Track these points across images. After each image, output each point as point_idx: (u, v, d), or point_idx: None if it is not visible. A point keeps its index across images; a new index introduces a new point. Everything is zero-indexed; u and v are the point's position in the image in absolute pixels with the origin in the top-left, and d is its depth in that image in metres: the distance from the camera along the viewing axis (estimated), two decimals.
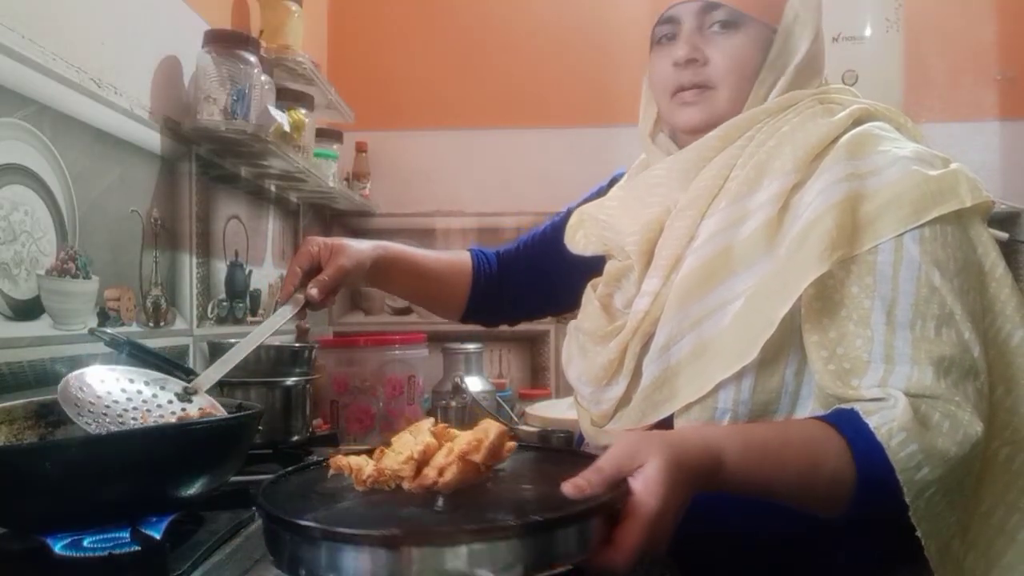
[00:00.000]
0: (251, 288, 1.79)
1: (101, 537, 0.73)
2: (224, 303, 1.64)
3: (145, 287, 1.31)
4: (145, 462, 0.72)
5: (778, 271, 0.82)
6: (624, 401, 0.93)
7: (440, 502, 0.63)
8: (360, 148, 2.31)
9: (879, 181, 0.83)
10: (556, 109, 2.36)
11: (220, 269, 1.62)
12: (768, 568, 0.87)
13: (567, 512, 0.59)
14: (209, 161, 1.54)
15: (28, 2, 1.03)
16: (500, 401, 1.74)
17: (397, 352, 1.63)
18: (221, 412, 0.90)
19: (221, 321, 1.62)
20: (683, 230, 0.91)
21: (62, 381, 0.85)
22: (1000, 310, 0.84)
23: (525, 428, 1.31)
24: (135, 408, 0.87)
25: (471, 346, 1.80)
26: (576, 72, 2.36)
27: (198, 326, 1.50)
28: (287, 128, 1.56)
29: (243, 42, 1.42)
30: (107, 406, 0.85)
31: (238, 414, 0.88)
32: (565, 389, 1.16)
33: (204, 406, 0.90)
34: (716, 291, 0.86)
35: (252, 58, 1.42)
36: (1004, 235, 0.92)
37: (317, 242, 1.06)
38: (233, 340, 1.38)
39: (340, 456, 0.69)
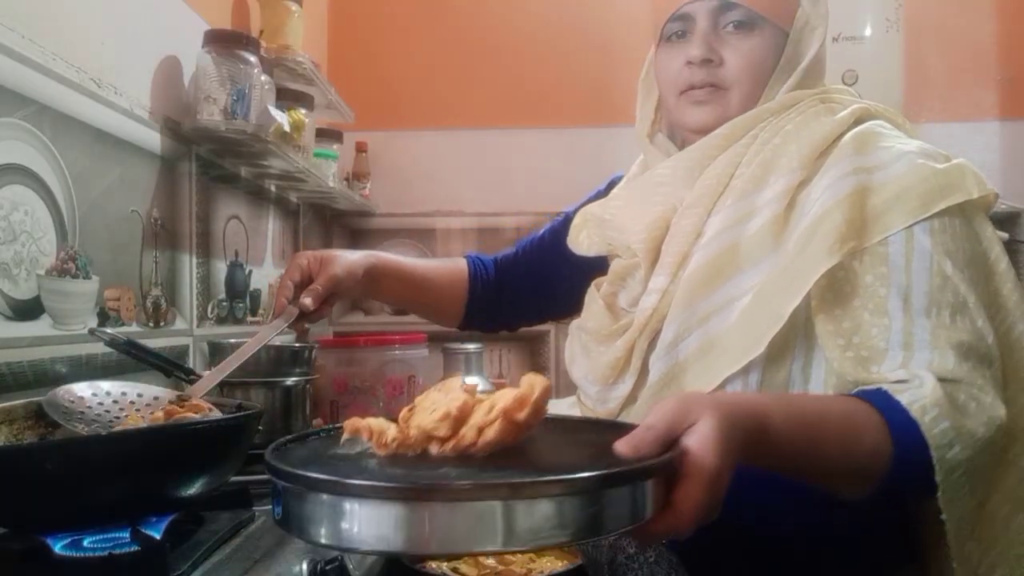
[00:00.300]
0: (251, 288, 1.79)
1: (101, 537, 0.72)
2: (224, 303, 1.64)
3: (145, 287, 1.31)
4: (145, 462, 0.72)
5: (787, 266, 0.83)
6: (631, 399, 0.93)
7: (477, 464, 0.56)
8: (360, 148, 2.31)
9: (886, 175, 0.83)
10: (556, 109, 2.36)
11: (220, 269, 1.62)
12: (771, 567, 0.87)
13: (638, 467, 0.53)
14: (209, 161, 1.54)
15: (28, 2, 1.03)
16: None
17: (397, 352, 1.63)
18: (216, 414, 0.90)
19: (221, 321, 1.62)
20: (690, 228, 0.91)
21: (49, 394, 0.85)
22: (1003, 303, 0.85)
23: None
24: (127, 416, 0.87)
25: (471, 346, 1.80)
26: (576, 72, 2.36)
27: (198, 326, 1.50)
28: (287, 128, 1.56)
29: (243, 42, 1.42)
30: (97, 415, 0.85)
31: (238, 414, 0.88)
32: (565, 389, 1.15)
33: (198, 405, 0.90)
34: (723, 288, 0.86)
35: (252, 58, 1.42)
36: (1004, 235, 0.92)
37: (307, 255, 1.06)
38: (233, 340, 1.38)
39: (357, 418, 0.61)
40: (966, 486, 0.73)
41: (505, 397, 0.58)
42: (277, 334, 0.98)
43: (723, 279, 0.87)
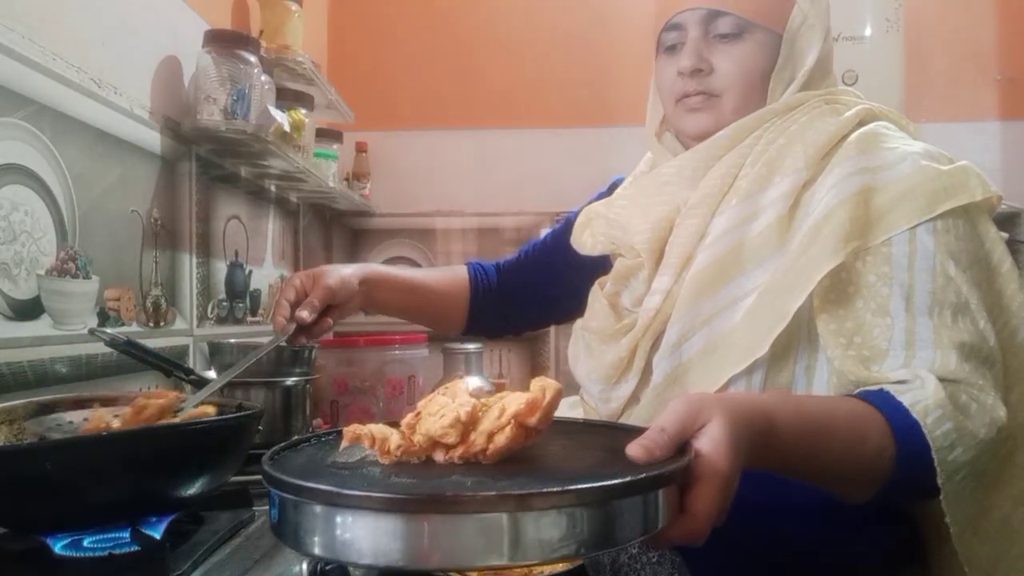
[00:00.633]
0: (251, 288, 1.79)
1: (101, 537, 0.72)
2: (224, 303, 1.64)
3: (145, 287, 1.31)
4: (145, 462, 0.72)
5: (791, 265, 0.83)
6: (633, 399, 0.93)
7: (485, 472, 0.54)
8: (360, 148, 2.31)
9: (891, 175, 0.83)
10: (556, 109, 2.36)
11: (220, 269, 1.62)
12: (772, 568, 0.86)
13: (656, 473, 0.51)
14: (209, 161, 1.54)
15: (28, 2, 1.03)
16: None
17: (397, 352, 1.63)
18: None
19: (221, 321, 1.62)
20: (694, 228, 0.91)
21: (34, 419, 0.85)
22: (1006, 305, 0.85)
23: None
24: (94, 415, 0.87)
25: (471, 346, 1.79)
26: (576, 73, 2.36)
27: (198, 326, 1.50)
28: (287, 128, 1.56)
29: (243, 42, 1.42)
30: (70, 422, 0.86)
31: (238, 414, 0.88)
32: (567, 389, 1.15)
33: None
34: (727, 288, 0.86)
35: (252, 58, 1.42)
36: (1004, 235, 0.92)
37: (299, 275, 1.06)
38: (233, 340, 1.38)
39: (357, 425, 0.59)
40: (967, 488, 0.73)
41: (515, 402, 0.56)
42: (272, 348, 0.98)
43: (727, 279, 0.87)
